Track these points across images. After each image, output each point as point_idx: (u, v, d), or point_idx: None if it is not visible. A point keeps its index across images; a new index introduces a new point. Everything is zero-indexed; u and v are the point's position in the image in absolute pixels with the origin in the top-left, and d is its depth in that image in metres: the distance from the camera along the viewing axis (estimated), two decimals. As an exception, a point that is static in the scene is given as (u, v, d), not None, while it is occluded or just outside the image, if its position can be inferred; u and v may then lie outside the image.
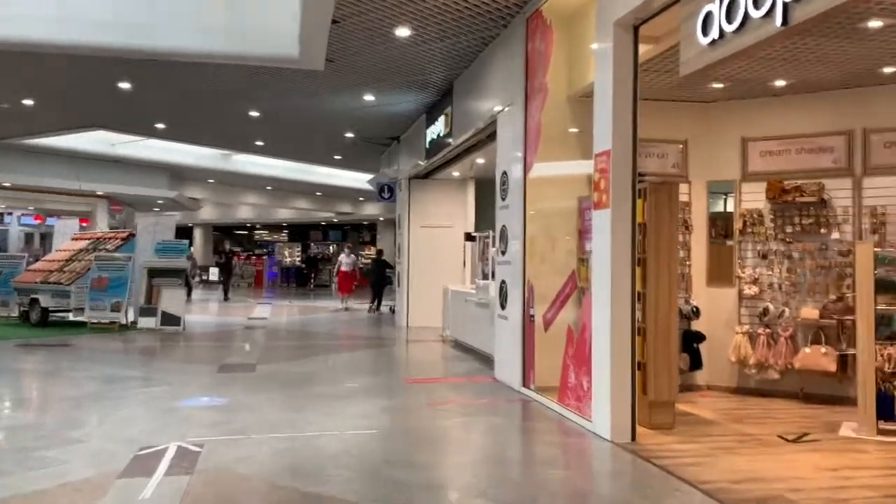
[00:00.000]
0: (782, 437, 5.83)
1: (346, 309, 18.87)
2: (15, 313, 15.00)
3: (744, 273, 7.92)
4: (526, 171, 7.77)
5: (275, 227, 42.76)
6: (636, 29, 5.74)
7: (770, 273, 7.81)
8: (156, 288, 13.94)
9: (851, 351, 6.94)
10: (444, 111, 11.52)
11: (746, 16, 4.31)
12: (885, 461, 5.19)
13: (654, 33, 6.04)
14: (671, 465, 4.95)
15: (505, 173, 8.41)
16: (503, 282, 8.42)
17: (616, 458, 5.21)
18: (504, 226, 8.43)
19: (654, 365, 6.11)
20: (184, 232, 40.26)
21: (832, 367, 7.17)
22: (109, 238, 15.84)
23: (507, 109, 8.38)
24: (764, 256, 7.84)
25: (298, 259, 38.98)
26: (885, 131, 7.28)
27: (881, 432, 5.90)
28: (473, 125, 9.97)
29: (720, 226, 8.13)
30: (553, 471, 4.78)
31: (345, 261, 19.86)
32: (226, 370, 9.07)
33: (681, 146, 8.21)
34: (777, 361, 7.54)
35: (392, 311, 17.11)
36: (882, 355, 6.08)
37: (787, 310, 7.62)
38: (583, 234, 6.65)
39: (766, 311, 7.72)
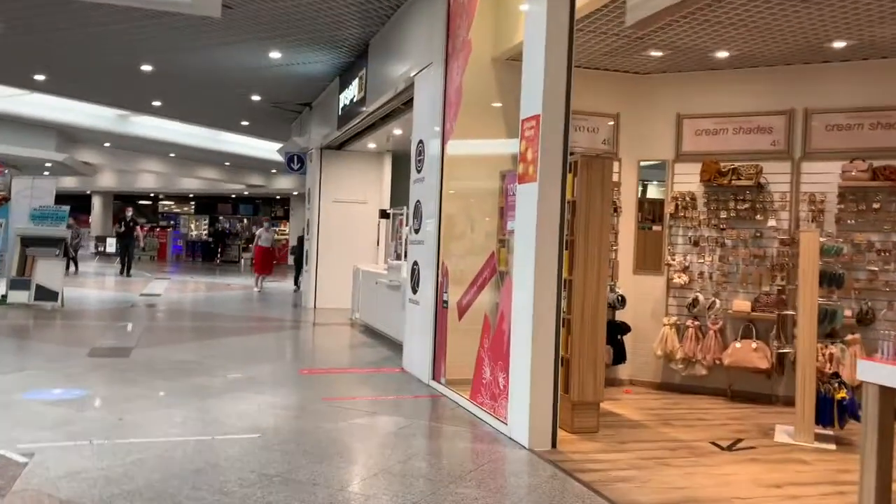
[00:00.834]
0: (716, 445, 5.25)
1: (260, 291, 17.29)
2: None
3: (673, 260, 7.35)
4: (444, 139, 6.93)
5: (181, 199, 40.52)
6: (574, -24, 4.97)
7: (701, 261, 7.26)
8: (30, 258, 12.45)
9: (787, 349, 6.44)
10: (359, 74, 10.54)
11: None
12: (829, 474, 4.65)
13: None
14: (597, 480, 4.25)
15: (421, 142, 7.56)
16: (415, 263, 7.58)
17: (534, 472, 4.48)
18: (418, 200, 7.58)
19: (579, 361, 5.42)
20: (81, 199, 37.72)
21: (763, 365, 6.68)
22: (-21, 201, 14.13)
23: (425, 70, 7.50)
24: (695, 243, 7.27)
25: (205, 233, 37.13)
26: (828, 112, 6.79)
27: (818, 438, 5.39)
28: (389, 89, 9.05)
29: (650, 209, 7.53)
30: (460, 489, 4.00)
31: (264, 235, 18.13)
32: (96, 354, 7.92)
33: (611, 121, 7.54)
34: (705, 356, 7.01)
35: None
36: (823, 355, 5.57)
37: (717, 301, 7.08)
38: (505, 211, 5.87)
39: (695, 301, 7.17)
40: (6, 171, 23.71)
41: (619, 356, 7.06)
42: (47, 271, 12.31)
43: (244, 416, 5.52)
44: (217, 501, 3.67)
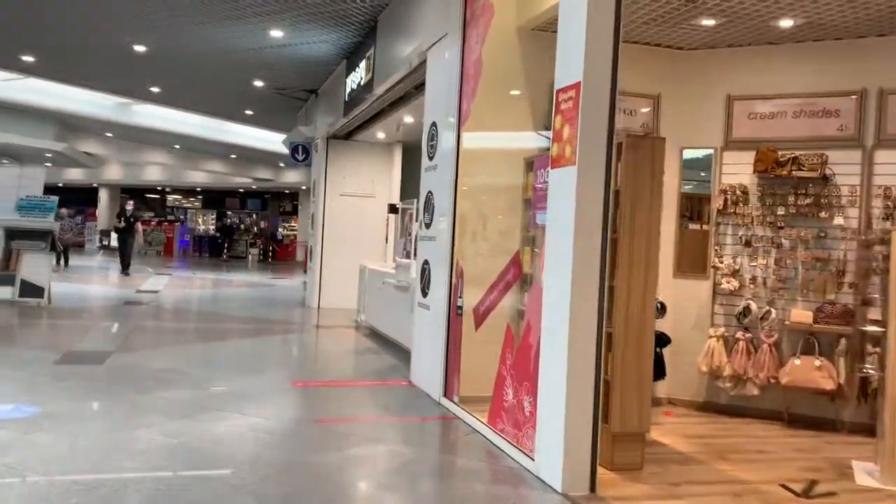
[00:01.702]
0: (788, 489, 4.31)
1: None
2: None
3: (721, 263, 6.40)
4: (461, 121, 6.01)
5: (189, 192, 39.80)
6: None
7: (754, 264, 6.30)
8: (15, 252, 11.64)
9: (870, 371, 5.48)
10: (366, 55, 9.64)
11: None
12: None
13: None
14: (653, 542, 3.35)
15: (434, 125, 6.65)
16: (426, 262, 6.68)
17: (571, 527, 3.57)
18: (430, 191, 6.68)
19: (622, 383, 4.51)
20: (88, 192, 37.10)
21: (828, 385, 5.73)
22: (-35, 191, 13.34)
23: (439, 43, 6.60)
24: (747, 243, 6.33)
25: (212, 228, 36.43)
26: (908, 93, 5.84)
27: (909, 480, 4.46)
28: (399, 69, 8.14)
29: (695, 203, 6.59)
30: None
31: None
32: (68, 360, 7.08)
33: (650, 104, 6.60)
34: (758, 374, 6.07)
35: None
36: (916, 380, 4.63)
37: (772, 311, 6.13)
38: (533, 202, 4.93)
39: (746, 310, 6.22)
40: (4, 162, 23.02)
41: (659, 371, 6.10)
42: (33, 266, 11.51)
43: (220, 442, 4.64)
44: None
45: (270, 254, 32.14)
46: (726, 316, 6.38)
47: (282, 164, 28.53)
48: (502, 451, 4.70)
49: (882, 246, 5.45)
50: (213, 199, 38.90)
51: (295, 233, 34.89)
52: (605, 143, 4.06)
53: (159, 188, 39.09)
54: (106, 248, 29.79)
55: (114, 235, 28.64)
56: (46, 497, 3.52)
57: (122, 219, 18.77)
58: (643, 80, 6.51)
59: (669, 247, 6.56)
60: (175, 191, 39.61)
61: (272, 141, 21.55)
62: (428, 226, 6.68)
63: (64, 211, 20.69)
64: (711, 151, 6.52)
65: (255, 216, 37.73)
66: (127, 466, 4.05)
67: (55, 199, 12.22)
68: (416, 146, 13.10)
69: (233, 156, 26.31)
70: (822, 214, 6.05)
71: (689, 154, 6.61)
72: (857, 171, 5.97)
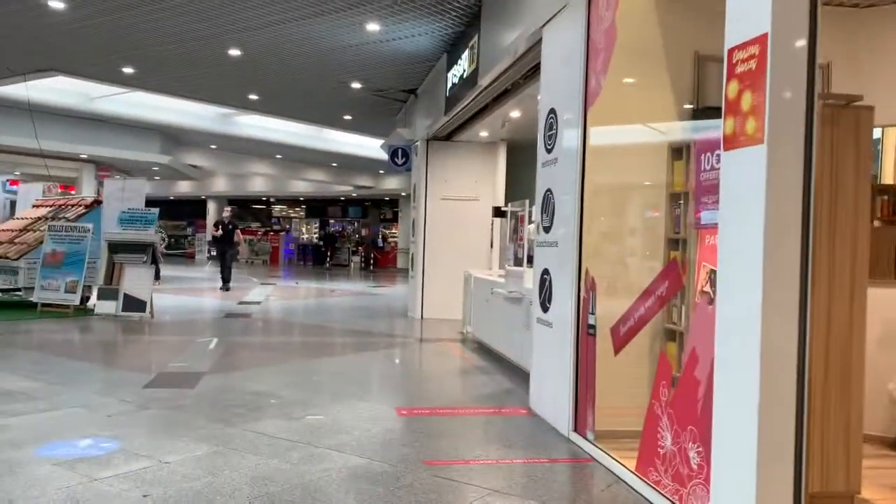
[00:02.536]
0: None
1: None
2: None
3: (917, 267, 5.16)
4: (587, 102, 5.06)
5: (293, 202, 40.37)
6: None
7: (962, 268, 5.04)
8: (117, 265, 11.52)
9: None
10: (469, 44, 8.82)
11: None
12: None
13: None
14: None
15: (552, 112, 5.72)
16: (545, 271, 5.76)
17: None
18: (549, 189, 5.75)
19: (823, 429, 3.43)
20: (197, 204, 38.20)
21: None
22: (73, 205, 13.46)
23: (558, 16, 5.67)
24: (953, 242, 5.07)
25: (316, 236, 36.76)
26: None
27: None
28: (507, 55, 7.27)
29: (889, 194, 5.37)
30: None
31: None
32: (159, 383, 6.57)
33: (822, 71, 5.43)
34: (974, 406, 4.81)
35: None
36: None
37: None
38: (697, 195, 3.90)
39: (955, 326, 4.96)
40: (117, 177, 23.68)
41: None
42: (135, 279, 11.35)
43: (311, 491, 3.87)
44: None
45: (372, 261, 32.03)
46: (927, 332, 5.13)
47: (381, 171, 28.28)
48: (660, 512, 3.71)
49: None
50: (316, 208, 39.28)
51: (396, 239, 34.69)
52: (802, 113, 3.03)
53: (264, 198, 39.80)
54: (213, 259, 30.36)
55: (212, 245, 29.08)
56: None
57: (220, 226, 16.61)
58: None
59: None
60: (279, 201, 40.25)
61: (371, 147, 21.18)
62: (547, 230, 5.75)
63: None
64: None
65: (356, 224, 37.79)
66: (201, 530, 3.33)
67: (156, 211, 12.05)
68: (522, 144, 12.23)
69: (334, 164, 26.20)
70: None
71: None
72: None
